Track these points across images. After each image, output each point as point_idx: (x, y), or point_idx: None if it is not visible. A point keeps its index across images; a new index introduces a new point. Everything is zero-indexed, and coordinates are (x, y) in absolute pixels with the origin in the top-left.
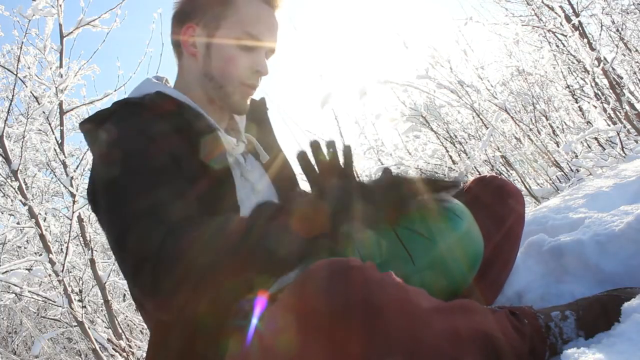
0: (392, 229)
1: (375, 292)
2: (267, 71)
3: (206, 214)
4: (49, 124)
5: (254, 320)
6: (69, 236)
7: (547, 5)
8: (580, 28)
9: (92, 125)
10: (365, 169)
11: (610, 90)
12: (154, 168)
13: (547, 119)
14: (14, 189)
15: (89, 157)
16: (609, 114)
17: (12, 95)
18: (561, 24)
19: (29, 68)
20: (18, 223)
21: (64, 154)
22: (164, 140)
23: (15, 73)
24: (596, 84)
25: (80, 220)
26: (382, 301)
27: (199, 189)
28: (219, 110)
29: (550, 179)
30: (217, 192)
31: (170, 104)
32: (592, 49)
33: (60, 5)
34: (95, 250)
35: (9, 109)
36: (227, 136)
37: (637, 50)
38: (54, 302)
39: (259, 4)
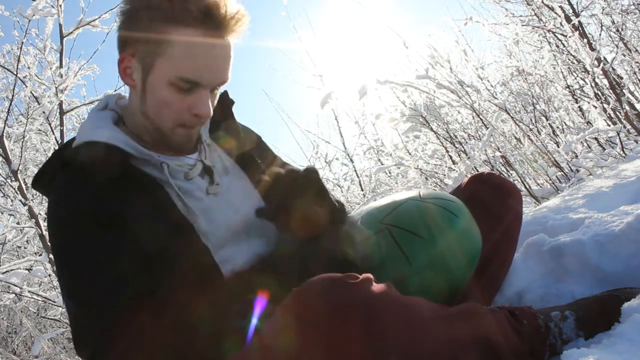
0: (388, 230)
1: (375, 305)
2: (208, 113)
3: (172, 267)
4: (49, 124)
5: (254, 321)
6: None
7: (547, 6)
8: (580, 28)
9: (40, 189)
10: (366, 169)
11: (610, 91)
12: (98, 254)
13: (547, 119)
14: (14, 189)
15: None
16: (609, 114)
17: (12, 95)
18: (561, 24)
19: (29, 68)
20: (18, 223)
21: None
22: (106, 214)
23: (15, 73)
24: (596, 84)
25: None
26: (382, 314)
27: (154, 254)
28: None
29: (550, 179)
30: (177, 242)
31: (103, 158)
32: (592, 49)
33: (60, 6)
34: None
35: (9, 109)
36: (181, 160)
37: (637, 51)
38: (54, 302)
39: (199, 39)
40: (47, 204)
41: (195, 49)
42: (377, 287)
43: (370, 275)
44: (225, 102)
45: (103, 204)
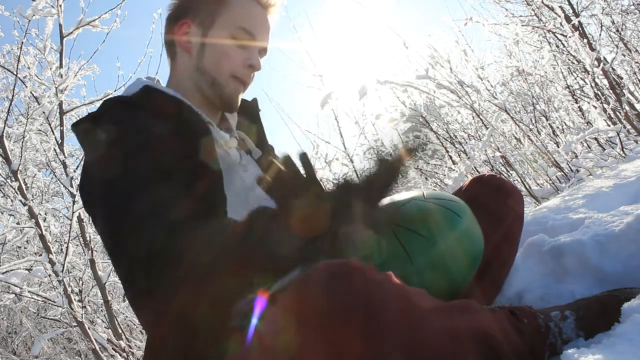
0: (391, 229)
1: (375, 293)
2: (260, 66)
3: (203, 213)
4: (49, 124)
5: (254, 320)
6: (69, 236)
7: (547, 6)
8: (580, 28)
9: (88, 125)
10: (366, 169)
11: (610, 91)
12: (153, 169)
13: (547, 119)
14: (14, 189)
15: None
16: (609, 114)
17: (12, 95)
18: (561, 24)
19: (29, 68)
20: (18, 223)
21: (63, 154)
22: (161, 140)
23: (15, 73)
24: (596, 84)
25: (80, 220)
26: (382, 301)
27: (197, 189)
28: (211, 108)
29: (550, 179)
30: (212, 191)
31: (161, 101)
32: (592, 49)
33: (60, 6)
34: (95, 251)
35: (9, 109)
36: (219, 131)
37: (637, 51)
38: (54, 302)
39: (252, 4)
40: (96, 135)
41: (252, 8)
42: (378, 276)
43: (372, 264)
44: (253, 106)
45: (165, 131)
